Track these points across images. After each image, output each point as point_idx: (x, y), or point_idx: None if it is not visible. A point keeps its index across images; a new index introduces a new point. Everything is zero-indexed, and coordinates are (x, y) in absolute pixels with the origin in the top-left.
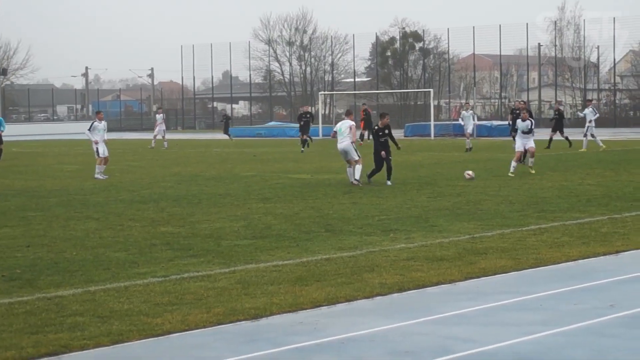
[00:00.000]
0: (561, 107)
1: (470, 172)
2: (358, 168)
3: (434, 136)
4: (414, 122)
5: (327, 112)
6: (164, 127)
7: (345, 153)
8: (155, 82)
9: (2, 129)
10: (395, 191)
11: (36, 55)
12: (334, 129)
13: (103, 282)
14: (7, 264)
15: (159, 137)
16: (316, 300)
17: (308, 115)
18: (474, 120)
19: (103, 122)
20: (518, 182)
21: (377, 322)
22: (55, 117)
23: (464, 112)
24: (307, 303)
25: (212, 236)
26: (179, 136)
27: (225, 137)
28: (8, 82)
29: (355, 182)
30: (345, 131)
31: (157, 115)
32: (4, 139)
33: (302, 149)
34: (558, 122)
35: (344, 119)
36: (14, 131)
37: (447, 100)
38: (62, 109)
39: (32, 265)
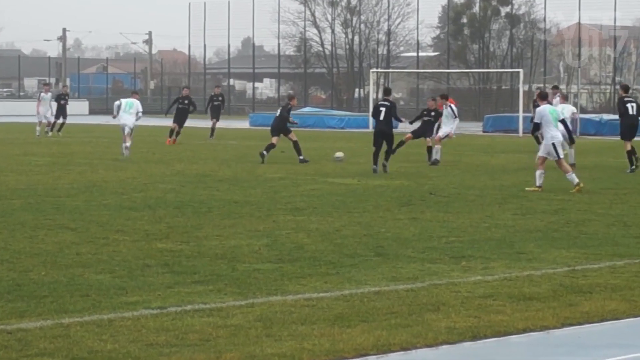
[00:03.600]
0: None
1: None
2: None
3: (523, 132)
4: (497, 114)
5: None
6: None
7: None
8: (154, 51)
9: None
10: (471, 205)
11: None
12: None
13: (80, 313)
14: None
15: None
16: (361, 347)
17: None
18: (574, 113)
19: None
20: (636, 198)
21: None
22: (22, 93)
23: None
24: (349, 350)
25: (225, 257)
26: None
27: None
28: None
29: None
30: None
31: (42, 94)
32: None
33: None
34: None
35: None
36: None
37: (542, 85)
38: (31, 83)
39: None
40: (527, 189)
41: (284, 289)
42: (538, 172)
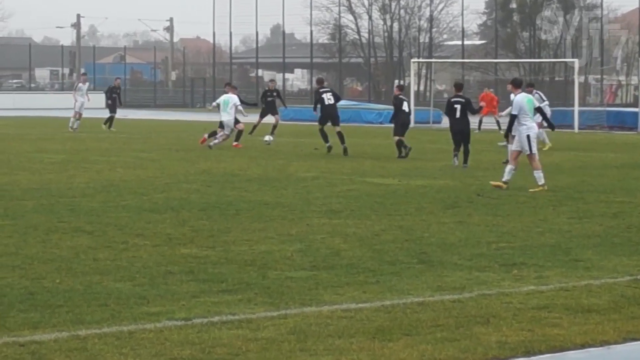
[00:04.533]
0: None
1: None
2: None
3: (579, 128)
4: (551, 107)
5: (421, 87)
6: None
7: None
8: (175, 39)
9: None
10: (522, 207)
11: None
12: None
13: (98, 324)
14: None
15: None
16: None
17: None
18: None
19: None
20: None
21: None
22: (32, 85)
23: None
24: None
25: (255, 264)
26: (208, 117)
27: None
28: None
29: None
30: None
31: (79, 85)
32: None
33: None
34: None
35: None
36: None
37: (599, 76)
38: (42, 73)
39: None
40: (530, 190)
41: (319, 299)
42: (508, 168)
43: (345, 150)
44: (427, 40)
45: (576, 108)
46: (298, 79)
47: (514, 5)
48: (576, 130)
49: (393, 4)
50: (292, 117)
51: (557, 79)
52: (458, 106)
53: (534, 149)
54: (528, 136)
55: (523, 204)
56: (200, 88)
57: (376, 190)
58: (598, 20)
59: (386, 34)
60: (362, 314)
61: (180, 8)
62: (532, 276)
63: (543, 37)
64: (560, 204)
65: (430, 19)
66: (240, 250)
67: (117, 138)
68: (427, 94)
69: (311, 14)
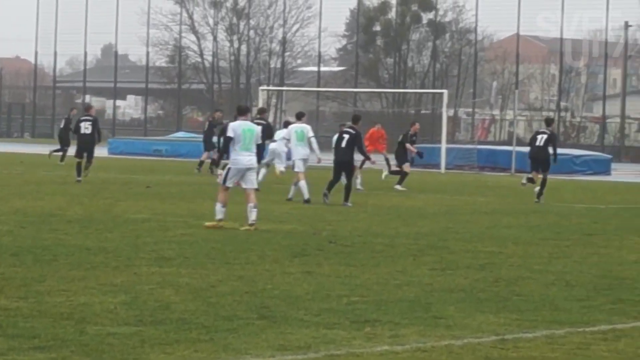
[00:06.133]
0: None
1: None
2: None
3: (446, 168)
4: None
5: (271, 119)
6: None
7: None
8: None
9: None
10: (378, 257)
11: None
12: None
13: None
14: None
15: None
16: None
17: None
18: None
19: None
20: (581, 251)
21: None
22: None
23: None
24: None
25: (72, 317)
26: (27, 148)
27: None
28: None
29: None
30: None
31: None
32: None
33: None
34: None
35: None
36: None
37: (470, 110)
38: None
39: None
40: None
41: (144, 359)
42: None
43: None
44: (278, 65)
45: (443, 145)
46: (131, 107)
47: (377, 28)
48: (443, 170)
49: (241, 24)
50: (123, 150)
51: (424, 112)
52: (346, 136)
53: (230, 183)
54: (229, 169)
55: (380, 252)
56: (18, 115)
57: (214, 235)
58: (472, 46)
59: (233, 58)
60: None
61: None
62: (387, 335)
63: (409, 64)
64: (421, 253)
65: (283, 42)
66: (56, 301)
67: None
68: (278, 126)
69: (148, 33)
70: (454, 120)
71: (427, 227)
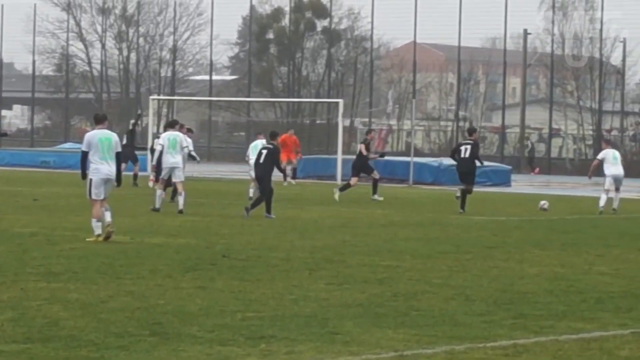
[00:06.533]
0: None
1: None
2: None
3: (342, 180)
4: (309, 155)
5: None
6: None
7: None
8: None
9: None
10: (274, 271)
11: None
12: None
13: None
14: None
15: None
16: None
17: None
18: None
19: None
20: (481, 265)
21: None
22: None
23: None
24: None
25: None
26: None
27: None
28: None
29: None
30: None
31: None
32: None
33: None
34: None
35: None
36: None
37: (367, 120)
38: None
39: None
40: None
41: None
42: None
43: None
44: (169, 74)
45: (339, 156)
46: (17, 117)
47: (271, 36)
48: (339, 181)
49: (131, 32)
50: (9, 161)
51: (318, 121)
52: (265, 151)
53: (97, 196)
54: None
55: (275, 267)
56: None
57: (104, 250)
58: (367, 54)
59: (122, 66)
60: None
61: None
62: (282, 351)
63: (304, 72)
64: (317, 267)
65: (174, 50)
66: None
67: None
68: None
69: (34, 41)
70: (349, 131)
71: (323, 240)
